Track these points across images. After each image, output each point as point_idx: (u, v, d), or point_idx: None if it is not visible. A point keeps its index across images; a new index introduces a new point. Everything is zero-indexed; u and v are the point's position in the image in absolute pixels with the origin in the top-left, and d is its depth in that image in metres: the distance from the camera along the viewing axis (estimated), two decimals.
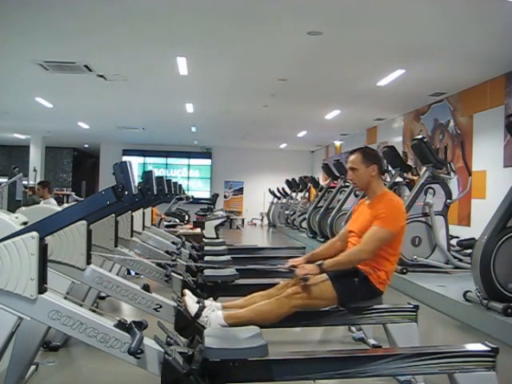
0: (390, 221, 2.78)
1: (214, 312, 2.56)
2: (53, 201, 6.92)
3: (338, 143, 16.42)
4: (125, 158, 17.00)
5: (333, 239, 3.22)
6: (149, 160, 18.96)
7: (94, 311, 2.14)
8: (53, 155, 19.64)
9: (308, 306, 2.67)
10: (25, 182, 13.71)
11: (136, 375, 2.32)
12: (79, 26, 6.06)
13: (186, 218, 10.59)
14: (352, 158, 2.97)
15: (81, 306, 2.08)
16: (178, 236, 5.53)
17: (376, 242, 2.73)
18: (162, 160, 19.17)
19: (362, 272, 2.74)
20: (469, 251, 5.71)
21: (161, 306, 2.76)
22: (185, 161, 19.36)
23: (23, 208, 3.17)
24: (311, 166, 19.23)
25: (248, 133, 15.18)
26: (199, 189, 18.84)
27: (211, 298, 2.82)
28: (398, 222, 2.84)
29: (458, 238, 6.43)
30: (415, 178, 6.91)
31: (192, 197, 12.94)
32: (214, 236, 8.31)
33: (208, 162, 19.35)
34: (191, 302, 2.62)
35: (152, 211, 5.41)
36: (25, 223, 1.97)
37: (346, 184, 9.21)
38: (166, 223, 7.95)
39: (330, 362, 2.12)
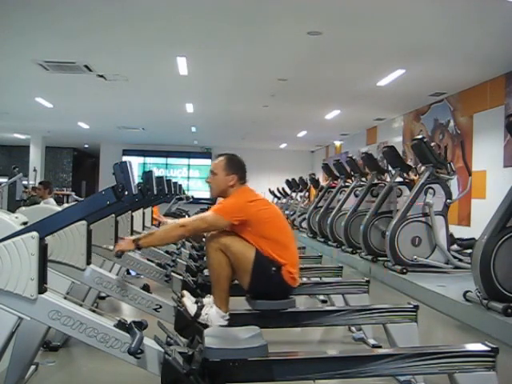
0: (223, 207, 2.74)
1: (213, 308, 2.62)
2: (52, 201, 6.92)
3: (337, 143, 16.42)
4: (125, 158, 16.99)
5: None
6: (149, 160, 18.96)
7: (93, 311, 2.14)
8: (53, 155, 19.65)
9: (227, 249, 2.65)
10: (25, 182, 13.71)
11: (136, 375, 2.32)
12: (79, 26, 6.06)
13: (186, 218, 10.57)
14: (215, 161, 2.93)
15: (81, 305, 2.08)
16: None
17: (199, 221, 2.71)
18: (161, 160, 19.17)
19: (278, 263, 2.71)
20: (469, 251, 5.72)
21: (161, 307, 2.77)
22: (185, 161, 19.36)
23: (23, 208, 3.17)
24: (311, 166, 19.21)
25: (248, 133, 15.18)
26: (199, 189, 18.82)
27: (209, 295, 2.83)
28: (228, 209, 2.75)
29: (459, 239, 6.44)
30: (415, 178, 6.91)
31: (192, 197, 12.94)
32: None
33: (208, 161, 19.32)
34: (190, 303, 2.65)
35: (152, 211, 5.41)
36: (25, 223, 1.97)
37: (346, 184, 9.20)
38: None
39: (330, 361, 2.12)
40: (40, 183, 7.80)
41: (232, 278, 2.70)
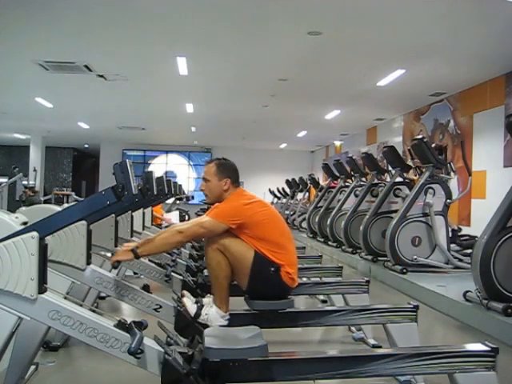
0: (219, 212, 2.73)
1: (213, 308, 2.62)
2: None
3: (338, 143, 16.42)
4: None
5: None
6: (149, 160, 18.96)
7: (93, 311, 2.13)
8: (53, 155, 19.64)
9: (226, 250, 2.65)
10: (25, 182, 13.72)
11: (136, 375, 2.32)
12: (79, 26, 6.06)
13: (186, 218, 10.59)
14: (206, 168, 2.91)
15: (81, 306, 2.08)
16: None
17: (195, 226, 2.69)
18: (162, 160, 19.16)
19: (276, 264, 2.71)
20: (469, 251, 5.72)
21: (161, 307, 2.76)
22: (185, 161, 19.36)
23: (23, 208, 3.16)
24: (311, 166, 19.22)
25: (248, 133, 15.19)
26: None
27: (209, 295, 2.83)
28: (224, 213, 2.73)
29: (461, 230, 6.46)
30: (415, 178, 6.91)
31: (192, 197, 12.95)
32: None
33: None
34: (190, 303, 2.64)
35: (152, 211, 5.41)
36: (25, 223, 1.97)
37: (346, 184, 9.20)
38: (165, 223, 7.93)
39: (330, 361, 2.12)
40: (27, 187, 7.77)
41: (231, 278, 2.70)
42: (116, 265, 2.58)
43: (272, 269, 2.67)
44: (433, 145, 6.24)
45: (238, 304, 2.93)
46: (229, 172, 2.88)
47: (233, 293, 2.73)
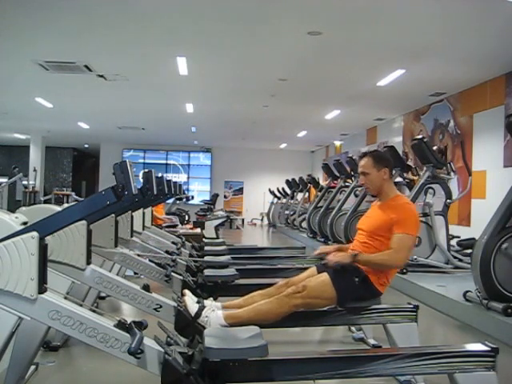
0: (415, 227, 2.83)
1: (214, 312, 2.55)
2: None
3: (337, 143, 16.42)
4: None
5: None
6: (149, 160, 18.97)
7: (93, 311, 2.13)
8: (53, 155, 19.63)
9: (308, 306, 2.66)
10: (25, 182, 13.72)
11: (136, 375, 2.32)
12: (79, 26, 6.06)
13: (186, 218, 10.60)
14: (363, 162, 2.97)
15: (81, 306, 2.08)
16: (178, 236, 5.53)
17: (408, 251, 2.79)
18: (162, 160, 19.17)
19: (363, 272, 2.74)
20: (469, 251, 5.72)
21: (161, 306, 2.76)
22: (185, 161, 19.36)
23: (23, 208, 3.16)
24: (311, 166, 19.22)
25: (248, 133, 15.18)
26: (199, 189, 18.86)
27: (211, 298, 2.82)
28: (418, 227, 2.90)
29: (458, 237, 6.43)
30: (415, 178, 6.91)
31: (192, 197, 12.97)
32: (214, 236, 8.31)
33: (208, 161, 19.35)
34: (191, 302, 2.62)
35: (152, 211, 5.41)
36: (25, 223, 1.97)
37: (346, 184, 9.20)
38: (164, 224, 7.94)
39: (330, 361, 2.12)
40: None
41: None
42: (337, 266, 2.70)
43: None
44: (434, 147, 6.24)
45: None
46: (386, 161, 2.97)
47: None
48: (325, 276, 2.70)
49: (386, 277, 2.78)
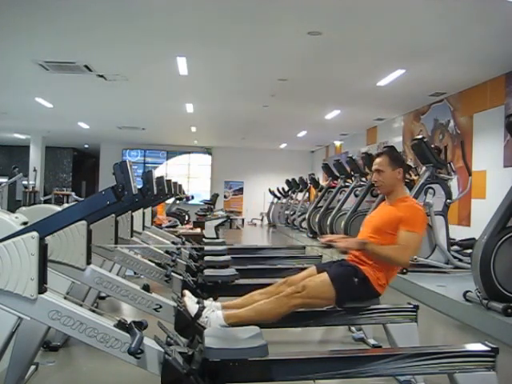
0: (422, 227, 2.86)
1: (214, 312, 2.54)
2: None
3: (337, 143, 16.42)
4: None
5: None
6: (149, 160, 18.96)
7: (93, 311, 2.13)
8: (53, 155, 19.62)
9: (307, 306, 2.67)
10: (25, 182, 13.72)
11: (136, 375, 2.32)
12: (79, 25, 6.06)
13: (186, 218, 10.60)
14: (379, 160, 3.00)
15: (81, 306, 2.08)
16: (178, 236, 5.53)
17: (415, 249, 2.83)
18: (162, 160, 19.17)
19: (363, 272, 2.74)
20: (469, 251, 5.72)
21: (161, 306, 2.76)
22: (185, 161, 19.36)
23: (23, 208, 3.17)
24: (311, 166, 19.22)
25: (248, 133, 15.18)
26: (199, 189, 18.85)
27: (211, 298, 2.81)
28: (424, 228, 2.94)
29: (459, 244, 6.43)
30: (415, 178, 6.91)
31: (192, 197, 12.97)
32: (214, 236, 8.31)
33: (208, 161, 19.34)
34: (191, 302, 2.61)
35: (151, 211, 5.41)
36: (25, 223, 1.97)
37: (346, 184, 9.21)
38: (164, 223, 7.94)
39: (330, 361, 2.12)
40: None
41: None
42: (346, 251, 2.77)
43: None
44: (432, 146, 6.24)
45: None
46: (401, 162, 3.02)
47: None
48: (324, 276, 2.70)
49: (385, 278, 2.78)
